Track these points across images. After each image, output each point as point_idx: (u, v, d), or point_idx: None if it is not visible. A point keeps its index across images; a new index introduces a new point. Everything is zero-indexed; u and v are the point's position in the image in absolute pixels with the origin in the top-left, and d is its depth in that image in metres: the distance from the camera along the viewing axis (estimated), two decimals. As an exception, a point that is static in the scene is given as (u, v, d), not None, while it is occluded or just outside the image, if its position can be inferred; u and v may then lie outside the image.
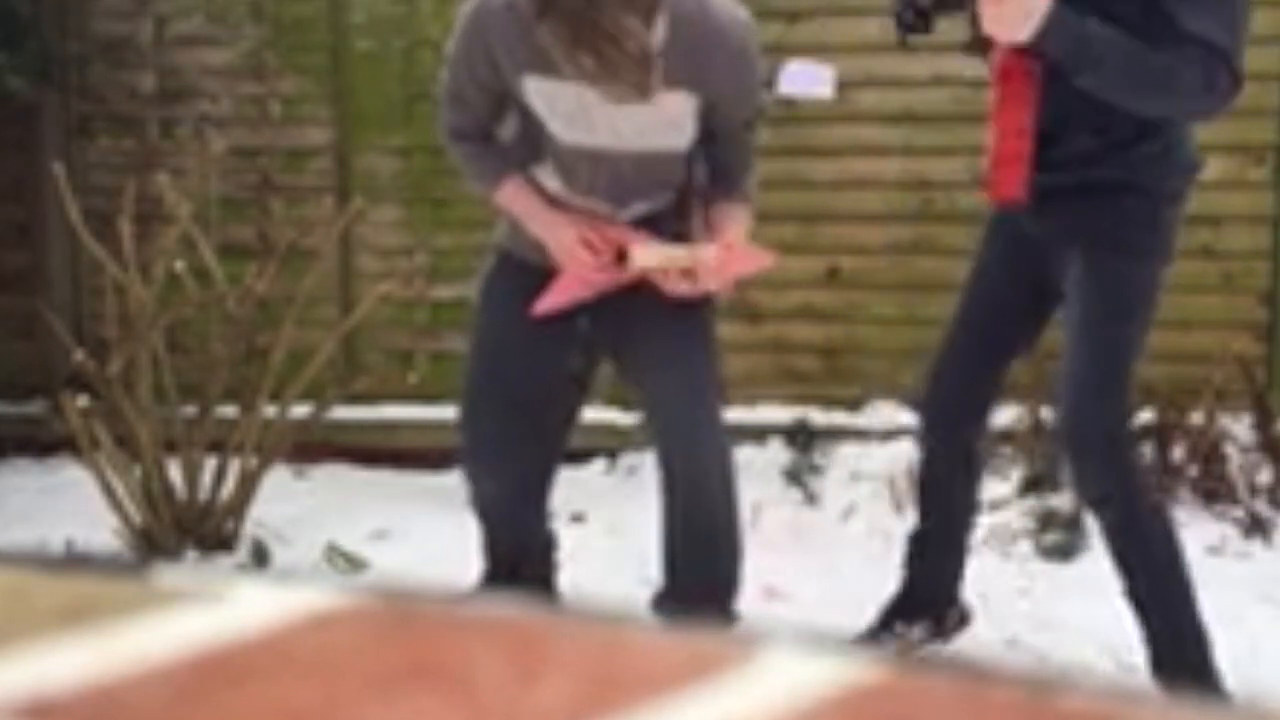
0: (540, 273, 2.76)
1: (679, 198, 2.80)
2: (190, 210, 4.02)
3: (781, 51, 4.69)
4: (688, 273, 2.64)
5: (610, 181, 2.70)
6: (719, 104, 2.66)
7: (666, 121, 2.63)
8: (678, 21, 2.51)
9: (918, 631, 3.11)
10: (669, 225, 2.77)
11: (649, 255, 2.64)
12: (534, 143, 2.69)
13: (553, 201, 2.74)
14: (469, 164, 2.80)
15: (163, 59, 5.14)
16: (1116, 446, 2.75)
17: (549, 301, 2.74)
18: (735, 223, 2.75)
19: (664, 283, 2.67)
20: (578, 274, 2.71)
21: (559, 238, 2.70)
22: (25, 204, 5.12)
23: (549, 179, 2.73)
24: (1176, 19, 2.53)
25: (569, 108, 2.59)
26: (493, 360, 2.88)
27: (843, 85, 4.74)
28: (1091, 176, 2.73)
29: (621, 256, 2.66)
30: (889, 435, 4.54)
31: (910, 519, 4.20)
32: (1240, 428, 4.27)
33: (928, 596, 3.13)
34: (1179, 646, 2.81)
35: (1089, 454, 2.75)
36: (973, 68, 4.63)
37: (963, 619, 3.17)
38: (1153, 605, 2.80)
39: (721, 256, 2.64)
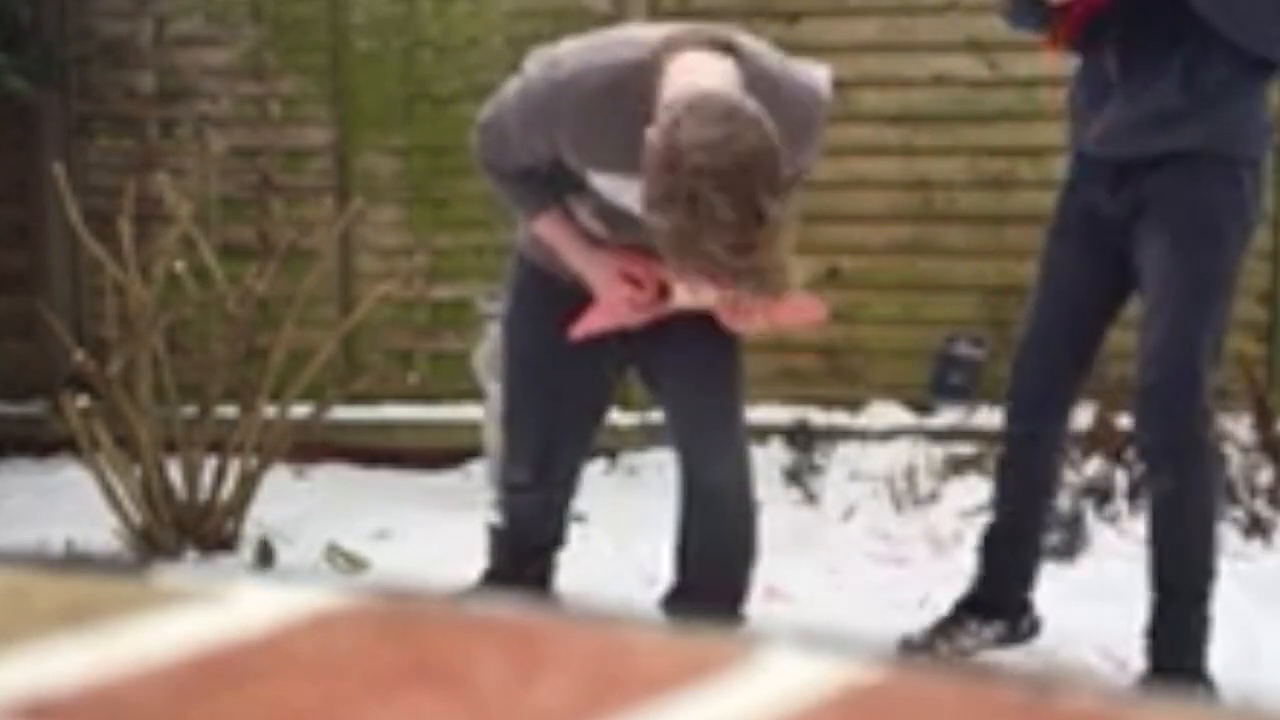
0: (571, 286, 2.70)
1: None
2: (190, 210, 4.02)
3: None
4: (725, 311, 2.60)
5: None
6: None
7: None
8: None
9: (990, 633, 3.07)
10: None
11: (691, 294, 2.57)
12: (573, 181, 2.59)
13: (591, 237, 2.66)
14: (505, 193, 2.73)
15: (162, 59, 5.14)
16: (1196, 420, 2.72)
17: (584, 326, 2.68)
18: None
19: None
20: (613, 305, 2.66)
21: (599, 274, 2.64)
22: (25, 204, 5.12)
23: (589, 220, 2.65)
24: None
25: (632, 196, 2.45)
26: (531, 372, 2.87)
27: (843, 85, 4.73)
28: (1176, 142, 2.67)
29: (664, 291, 2.62)
30: (889, 435, 4.54)
31: (909, 519, 4.17)
32: (1240, 428, 4.27)
33: (999, 596, 3.09)
34: (1182, 623, 2.81)
35: (1169, 417, 2.73)
36: (973, 68, 4.67)
37: (1034, 627, 3.12)
38: (1172, 567, 2.79)
39: (764, 305, 2.55)
